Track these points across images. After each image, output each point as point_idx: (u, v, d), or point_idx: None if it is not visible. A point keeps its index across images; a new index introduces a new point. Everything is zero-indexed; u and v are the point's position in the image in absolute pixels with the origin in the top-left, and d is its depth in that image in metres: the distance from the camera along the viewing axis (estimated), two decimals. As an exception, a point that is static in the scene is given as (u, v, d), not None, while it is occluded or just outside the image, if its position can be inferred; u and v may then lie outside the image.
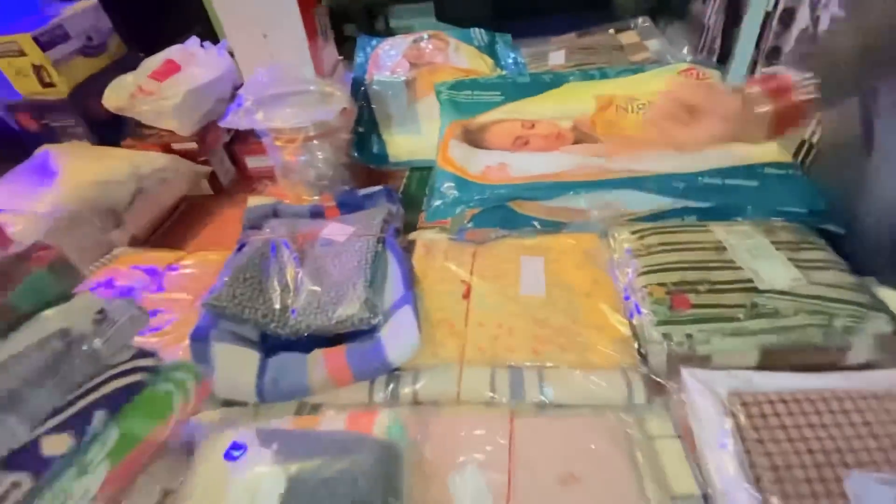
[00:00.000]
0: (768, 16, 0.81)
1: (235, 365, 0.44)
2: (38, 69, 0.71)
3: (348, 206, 0.69)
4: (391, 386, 0.45)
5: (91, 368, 0.32)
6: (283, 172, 0.74)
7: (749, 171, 0.57)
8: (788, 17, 0.78)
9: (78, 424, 0.31)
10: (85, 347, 0.31)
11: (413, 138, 0.79)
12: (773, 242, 0.50)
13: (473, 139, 0.67)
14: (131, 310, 0.36)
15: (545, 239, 0.57)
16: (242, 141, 0.83)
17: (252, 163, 0.85)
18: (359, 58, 0.96)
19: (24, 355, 0.29)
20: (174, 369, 0.38)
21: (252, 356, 0.46)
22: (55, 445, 0.29)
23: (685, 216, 0.57)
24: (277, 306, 0.50)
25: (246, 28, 0.71)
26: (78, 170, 0.67)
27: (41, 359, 0.29)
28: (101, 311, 0.34)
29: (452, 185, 0.60)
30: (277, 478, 0.33)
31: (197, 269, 0.59)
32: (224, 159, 0.82)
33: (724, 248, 0.50)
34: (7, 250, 0.30)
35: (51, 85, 0.73)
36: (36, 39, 0.69)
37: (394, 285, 0.52)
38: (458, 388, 0.43)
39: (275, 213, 0.68)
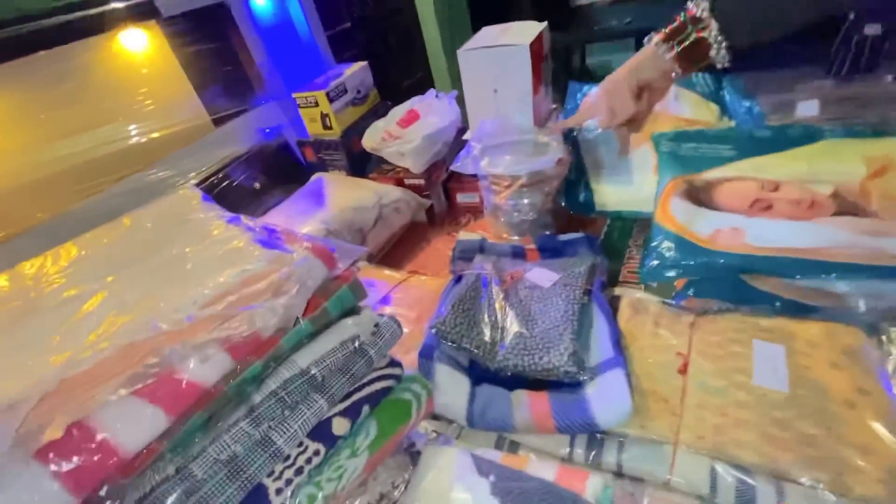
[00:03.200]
0: None
1: (451, 386, 0.50)
2: (324, 117, 0.94)
3: (548, 250, 0.72)
4: (594, 450, 0.44)
5: (365, 370, 0.40)
6: (491, 212, 0.81)
7: None
8: None
9: (352, 413, 0.39)
10: (371, 352, 0.40)
11: (623, 189, 0.78)
12: None
13: (699, 198, 0.63)
14: (393, 326, 0.44)
15: (786, 323, 0.49)
16: (456, 179, 0.95)
17: (461, 199, 0.95)
18: (569, 104, 1.00)
19: (333, 351, 0.38)
20: (412, 381, 0.45)
21: (464, 381, 0.51)
22: (340, 427, 0.38)
23: None
24: (487, 339, 0.54)
25: (481, 84, 0.80)
26: (340, 197, 0.85)
27: (341, 356, 0.38)
28: (376, 325, 0.42)
29: (672, 245, 0.57)
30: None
31: (418, 290, 0.68)
32: (440, 194, 0.94)
33: None
34: (332, 271, 0.41)
35: (329, 128, 0.95)
36: (327, 95, 0.91)
37: (600, 343, 0.51)
38: (670, 473, 0.41)
39: (481, 248, 0.74)
